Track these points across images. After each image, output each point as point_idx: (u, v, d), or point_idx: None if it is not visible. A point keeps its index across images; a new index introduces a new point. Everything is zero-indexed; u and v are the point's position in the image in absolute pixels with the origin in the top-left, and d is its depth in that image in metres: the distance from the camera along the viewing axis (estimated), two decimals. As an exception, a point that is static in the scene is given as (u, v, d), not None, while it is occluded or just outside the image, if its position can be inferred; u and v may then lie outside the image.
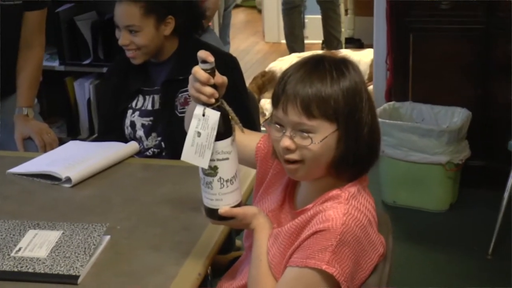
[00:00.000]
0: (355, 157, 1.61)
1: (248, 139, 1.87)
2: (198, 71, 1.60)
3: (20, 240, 1.87)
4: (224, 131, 1.62)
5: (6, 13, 2.83)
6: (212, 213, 1.68)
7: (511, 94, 3.70)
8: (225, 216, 1.67)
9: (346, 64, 1.62)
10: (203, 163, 1.62)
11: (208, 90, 1.60)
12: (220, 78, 1.64)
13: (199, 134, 1.61)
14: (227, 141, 1.63)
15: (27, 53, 2.95)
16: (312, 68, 1.60)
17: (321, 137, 1.57)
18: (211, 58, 1.60)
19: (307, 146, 1.58)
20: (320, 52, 6.05)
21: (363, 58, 5.28)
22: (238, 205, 1.69)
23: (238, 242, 3.12)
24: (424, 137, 3.68)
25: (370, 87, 4.35)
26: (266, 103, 5.18)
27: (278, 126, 1.62)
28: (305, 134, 1.58)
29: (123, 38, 2.61)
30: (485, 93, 3.82)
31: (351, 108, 1.58)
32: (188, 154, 1.62)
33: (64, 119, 4.34)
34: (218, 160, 1.62)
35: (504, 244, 3.39)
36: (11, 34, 2.89)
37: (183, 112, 2.55)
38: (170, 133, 2.62)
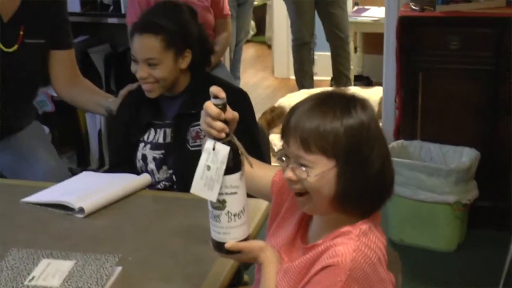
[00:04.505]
0: (362, 194, 1.61)
1: (264, 172, 1.90)
2: (209, 106, 1.63)
3: (34, 269, 1.87)
4: (233, 166, 1.64)
5: (29, 50, 2.89)
6: (219, 247, 1.70)
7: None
8: (231, 250, 1.69)
9: (354, 102, 1.62)
10: (212, 196, 1.64)
11: (219, 125, 1.63)
12: (231, 114, 1.66)
13: (208, 167, 1.63)
14: (236, 175, 1.65)
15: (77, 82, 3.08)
16: (318, 103, 1.62)
17: (316, 172, 1.58)
18: (222, 94, 1.62)
19: (305, 179, 1.60)
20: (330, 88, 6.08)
21: (371, 96, 5.28)
22: (246, 239, 1.70)
23: (245, 277, 3.12)
24: (432, 176, 3.69)
25: (379, 125, 4.36)
26: (275, 139, 5.18)
27: (284, 158, 1.65)
28: (303, 168, 1.60)
29: (141, 70, 2.59)
30: (493, 133, 3.83)
31: (355, 146, 1.58)
32: (198, 186, 1.65)
33: (74, 150, 4.38)
34: (226, 194, 1.64)
35: (512, 285, 3.40)
36: (31, 70, 2.95)
37: (195, 146, 2.57)
38: (181, 167, 2.62)
